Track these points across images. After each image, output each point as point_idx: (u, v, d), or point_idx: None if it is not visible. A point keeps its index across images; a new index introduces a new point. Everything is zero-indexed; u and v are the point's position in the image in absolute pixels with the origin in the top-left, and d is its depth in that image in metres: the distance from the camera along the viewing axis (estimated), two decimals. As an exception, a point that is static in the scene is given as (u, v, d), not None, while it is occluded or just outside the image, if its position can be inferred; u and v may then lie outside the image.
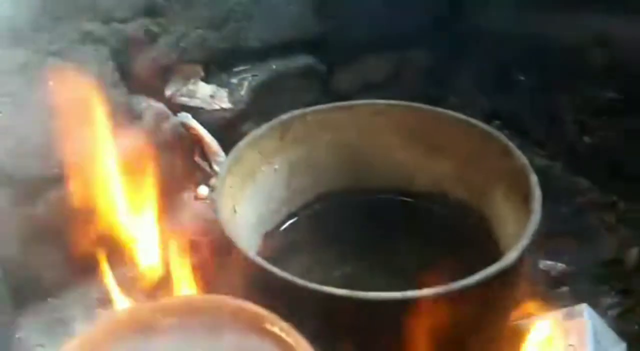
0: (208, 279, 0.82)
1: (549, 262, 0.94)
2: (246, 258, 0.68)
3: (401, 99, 0.92)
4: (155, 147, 0.97)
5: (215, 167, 1.09)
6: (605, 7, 1.02)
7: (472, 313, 0.66)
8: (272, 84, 1.14)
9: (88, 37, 0.89)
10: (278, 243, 0.87)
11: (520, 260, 0.68)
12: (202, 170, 1.10)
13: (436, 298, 0.62)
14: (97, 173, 0.87)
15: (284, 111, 0.90)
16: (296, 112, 0.90)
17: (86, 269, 0.89)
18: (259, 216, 0.86)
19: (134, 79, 0.99)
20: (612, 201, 1.05)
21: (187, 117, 1.07)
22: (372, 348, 0.66)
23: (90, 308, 0.85)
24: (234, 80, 1.12)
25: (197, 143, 1.09)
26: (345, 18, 1.17)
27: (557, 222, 1.00)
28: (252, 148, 0.85)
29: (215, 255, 0.85)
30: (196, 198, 1.07)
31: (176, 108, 1.06)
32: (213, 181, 1.07)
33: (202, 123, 1.08)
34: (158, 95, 1.04)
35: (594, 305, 0.80)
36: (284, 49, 1.16)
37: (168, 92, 1.06)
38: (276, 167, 0.89)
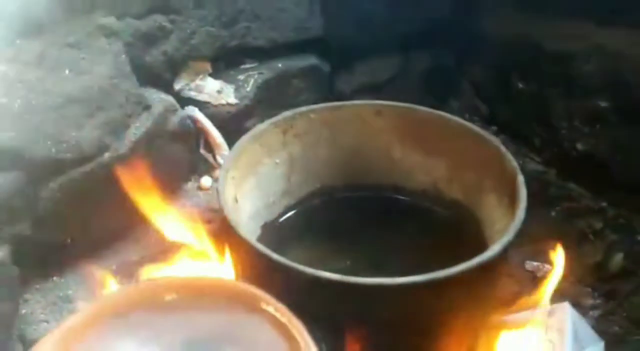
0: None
1: (535, 263, 0.95)
2: (247, 244, 0.69)
3: (401, 100, 0.93)
4: (162, 138, 1.00)
5: (219, 159, 1.10)
6: (601, 18, 1.03)
7: (454, 302, 0.68)
8: (277, 82, 1.16)
9: (103, 31, 0.91)
10: (276, 234, 0.88)
11: (502, 253, 0.69)
12: (207, 161, 1.12)
13: (424, 284, 0.63)
14: (106, 160, 0.90)
15: (288, 108, 0.91)
16: (299, 110, 0.90)
17: (92, 249, 0.92)
18: (259, 207, 0.87)
19: (145, 72, 1.01)
20: (600, 207, 1.06)
21: (194, 111, 1.09)
22: (360, 331, 0.67)
23: (92, 288, 0.86)
24: (241, 77, 1.14)
25: (202, 135, 1.11)
26: (350, 21, 1.19)
27: (547, 225, 1.01)
28: (255, 142, 0.86)
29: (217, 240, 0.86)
30: (200, 188, 1.09)
31: (184, 101, 1.08)
32: (217, 172, 1.09)
33: (208, 117, 1.09)
34: (167, 88, 1.06)
35: (577, 306, 0.81)
36: (290, 48, 1.18)
37: (177, 86, 1.08)
38: (277, 161, 0.90)
